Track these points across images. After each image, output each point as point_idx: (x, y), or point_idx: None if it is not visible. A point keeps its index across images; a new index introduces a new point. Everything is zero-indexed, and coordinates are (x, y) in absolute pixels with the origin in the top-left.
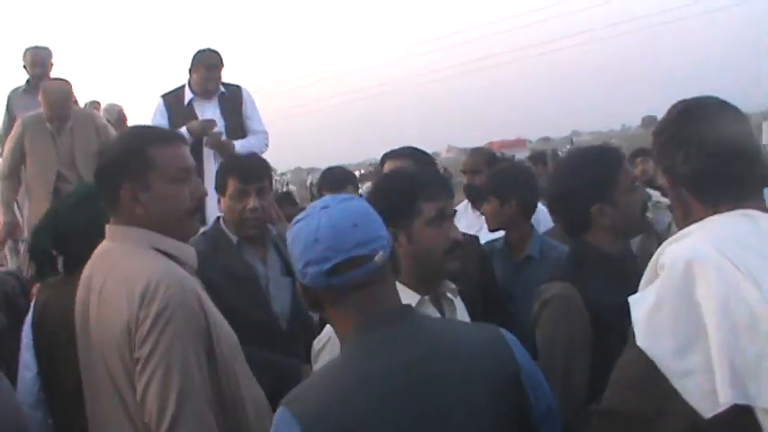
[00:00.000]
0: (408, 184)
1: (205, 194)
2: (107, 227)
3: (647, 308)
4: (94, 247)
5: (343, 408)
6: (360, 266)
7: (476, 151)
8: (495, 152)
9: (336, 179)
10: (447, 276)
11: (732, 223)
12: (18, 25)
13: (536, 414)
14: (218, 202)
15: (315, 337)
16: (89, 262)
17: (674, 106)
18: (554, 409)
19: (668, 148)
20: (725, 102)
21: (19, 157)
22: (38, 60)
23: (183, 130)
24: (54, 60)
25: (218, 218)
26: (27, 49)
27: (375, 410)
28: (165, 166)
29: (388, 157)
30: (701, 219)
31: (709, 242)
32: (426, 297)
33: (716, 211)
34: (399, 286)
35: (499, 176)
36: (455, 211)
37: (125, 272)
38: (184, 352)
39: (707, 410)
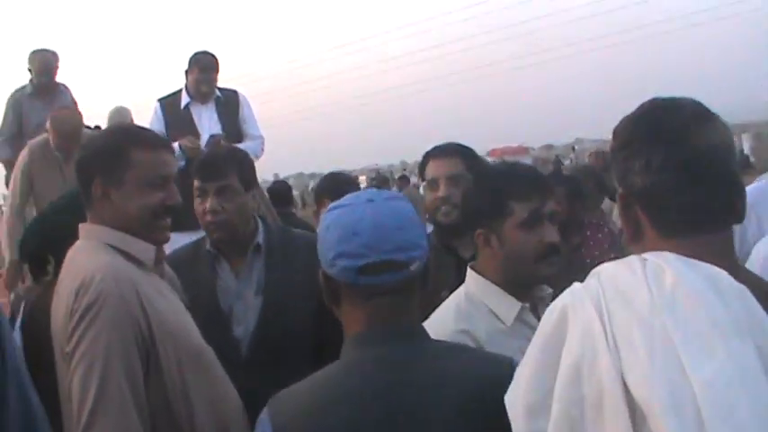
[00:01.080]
0: (498, 182)
1: (179, 203)
2: (80, 225)
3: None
4: None
5: (312, 421)
6: (393, 272)
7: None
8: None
9: (339, 184)
10: (540, 282)
11: (631, 272)
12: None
13: None
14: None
15: (286, 365)
16: None
17: (643, 105)
18: None
19: (625, 152)
20: (704, 107)
21: (28, 187)
22: (46, 65)
23: (176, 145)
24: (59, 64)
25: None
26: (34, 53)
27: (335, 427)
28: (144, 169)
29: (431, 156)
30: (652, 246)
31: (591, 290)
32: (527, 305)
33: (669, 240)
34: (499, 292)
35: None
36: (554, 212)
37: (74, 268)
38: (108, 347)
39: None
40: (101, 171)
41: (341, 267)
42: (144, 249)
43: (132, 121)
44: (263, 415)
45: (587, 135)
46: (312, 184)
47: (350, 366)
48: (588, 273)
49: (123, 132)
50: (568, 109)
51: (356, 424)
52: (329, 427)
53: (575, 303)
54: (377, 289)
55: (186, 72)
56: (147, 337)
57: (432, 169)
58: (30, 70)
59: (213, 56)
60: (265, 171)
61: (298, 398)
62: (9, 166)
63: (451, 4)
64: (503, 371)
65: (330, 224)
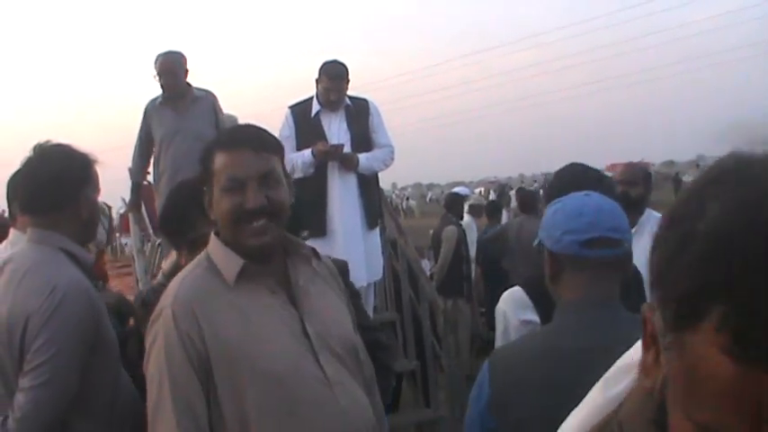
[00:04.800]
0: None
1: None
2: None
3: None
4: None
5: (520, 371)
6: (611, 247)
7: (632, 165)
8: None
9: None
10: None
11: None
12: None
13: None
14: None
15: None
16: None
17: None
18: None
19: None
20: None
21: None
22: (168, 66)
23: (308, 151)
24: (188, 66)
25: None
26: (158, 56)
27: (545, 380)
28: (219, 174)
29: None
30: None
31: None
32: None
33: None
34: None
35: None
36: None
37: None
38: (159, 372)
39: None
40: (204, 180)
41: (567, 242)
42: (228, 265)
43: None
44: (486, 362)
45: (710, 152)
46: (430, 195)
47: (563, 327)
48: None
49: (216, 136)
50: (691, 125)
51: (551, 379)
52: (529, 379)
53: None
54: (595, 261)
55: (316, 81)
56: (206, 362)
57: None
58: (156, 77)
59: (343, 65)
60: (384, 180)
61: (514, 350)
62: (135, 189)
63: (575, 16)
64: None
65: (557, 210)
